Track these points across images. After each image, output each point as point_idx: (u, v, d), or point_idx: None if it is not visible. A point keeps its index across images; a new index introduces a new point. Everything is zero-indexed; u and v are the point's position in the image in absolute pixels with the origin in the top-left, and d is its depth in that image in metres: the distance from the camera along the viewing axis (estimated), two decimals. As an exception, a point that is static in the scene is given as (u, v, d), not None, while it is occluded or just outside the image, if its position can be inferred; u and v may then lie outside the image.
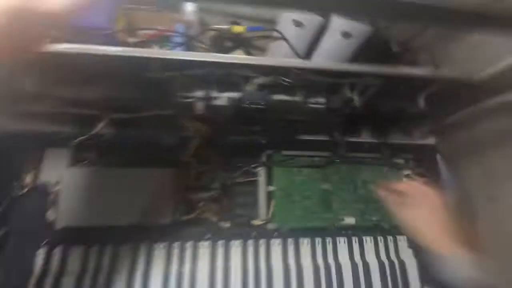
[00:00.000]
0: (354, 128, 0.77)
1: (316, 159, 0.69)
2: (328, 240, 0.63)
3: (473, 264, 0.38)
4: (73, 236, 0.55)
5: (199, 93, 0.51)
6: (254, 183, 0.67)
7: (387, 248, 0.65)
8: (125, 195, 0.56)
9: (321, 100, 0.56)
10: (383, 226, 0.68)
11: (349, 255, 0.63)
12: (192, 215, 0.62)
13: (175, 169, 0.60)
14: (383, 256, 0.64)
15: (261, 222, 0.65)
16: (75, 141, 0.59)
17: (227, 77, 0.48)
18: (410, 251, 0.65)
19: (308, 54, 0.64)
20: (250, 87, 0.50)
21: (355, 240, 0.64)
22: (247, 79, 0.50)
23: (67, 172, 0.55)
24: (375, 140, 0.73)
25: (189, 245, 0.58)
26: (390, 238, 0.65)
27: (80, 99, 0.57)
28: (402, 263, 0.63)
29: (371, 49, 0.68)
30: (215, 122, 0.65)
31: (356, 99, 0.54)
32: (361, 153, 0.71)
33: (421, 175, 0.73)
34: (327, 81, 0.50)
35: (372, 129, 0.77)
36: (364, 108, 0.62)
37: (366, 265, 0.62)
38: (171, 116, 0.63)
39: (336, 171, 0.70)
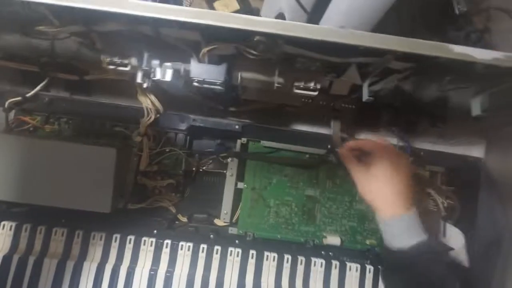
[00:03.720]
0: (366, 121, 0.58)
1: (306, 156, 0.54)
2: (301, 259, 0.51)
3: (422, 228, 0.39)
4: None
5: (134, 61, 0.37)
6: (224, 176, 0.55)
7: (376, 281, 0.51)
8: (60, 173, 0.48)
9: (313, 85, 0.38)
10: (379, 254, 0.53)
11: (324, 282, 0.50)
12: (142, 205, 0.53)
13: (121, 148, 0.49)
14: (367, 291, 0.51)
15: (223, 224, 0.54)
16: (9, 101, 0.50)
17: (165, 40, 0.33)
18: (406, 289, 0.51)
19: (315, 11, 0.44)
20: (205, 57, 0.34)
21: (335, 264, 0.51)
22: (197, 45, 0.34)
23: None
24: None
25: (131, 239, 0.50)
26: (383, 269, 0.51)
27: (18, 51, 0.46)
28: (391, 304, 0.50)
29: (416, 8, 0.47)
30: (176, 97, 0.51)
31: (365, 91, 0.36)
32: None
33: (450, 198, 0.54)
34: (328, 60, 0.32)
35: (392, 124, 0.58)
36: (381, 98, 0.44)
37: (342, 298, 0.50)
38: (121, 83, 0.50)
39: (330, 175, 0.54)
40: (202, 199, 0.57)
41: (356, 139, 0.48)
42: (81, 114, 0.54)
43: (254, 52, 0.30)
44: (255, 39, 0.27)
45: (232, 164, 0.53)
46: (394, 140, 0.54)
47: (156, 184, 0.54)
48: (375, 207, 0.41)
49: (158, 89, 0.49)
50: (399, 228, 0.39)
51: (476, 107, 0.35)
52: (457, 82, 0.34)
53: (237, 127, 0.51)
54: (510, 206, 0.52)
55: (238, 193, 0.53)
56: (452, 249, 0.49)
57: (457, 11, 0.44)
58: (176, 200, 0.56)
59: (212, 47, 0.31)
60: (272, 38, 0.28)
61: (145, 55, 0.35)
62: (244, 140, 0.53)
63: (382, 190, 0.40)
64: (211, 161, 0.57)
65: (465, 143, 0.57)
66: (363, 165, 0.43)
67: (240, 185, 0.53)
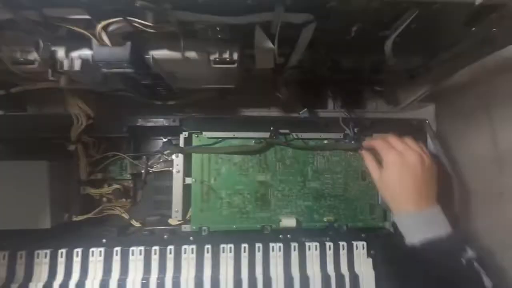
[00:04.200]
0: (312, 98, 0.57)
1: (252, 142, 0.52)
2: (258, 246, 0.48)
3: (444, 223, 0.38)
4: None
5: (33, 55, 0.35)
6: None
7: (337, 258, 0.49)
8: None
9: (228, 56, 0.36)
10: (337, 229, 0.52)
11: (284, 266, 0.48)
12: (88, 215, 0.51)
13: (56, 160, 0.47)
14: (330, 268, 0.48)
15: (177, 223, 0.51)
16: None
17: (59, 26, 0.31)
18: (369, 261, 0.49)
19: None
20: (104, 38, 0.32)
21: (294, 246, 0.49)
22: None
23: None
24: (330, 114, 0.54)
25: (78, 252, 0.47)
26: (343, 244, 0.49)
27: None
28: (355, 278, 0.48)
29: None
30: (110, 98, 0.49)
31: (275, 52, 0.35)
32: (315, 132, 0.53)
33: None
34: (227, 23, 0.30)
35: (337, 97, 0.57)
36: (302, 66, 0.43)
37: (305, 279, 0.47)
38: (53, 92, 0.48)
39: (278, 157, 0.53)
40: (155, 200, 0.55)
41: (370, 138, 0.48)
42: (17, 130, 0.51)
43: (147, 24, 0.29)
44: (137, 5, 0.26)
45: (178, 160, 0.51)
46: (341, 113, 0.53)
47: (101, 192, 0.52)
48: (392, 205, 0.42)
49: (86, 91, 0.47)
50: (411, 223, 0.39)
51: (389, 56, 0.34)
52: (367, 32, 0.33)
53: (173, 121, 0.49)
54: (460, 159, 0.52)
55: (187, 189, 0.51)
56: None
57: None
58: (129, 205, 0.54)
59: (104, 23, 0.29)
60: (155, 2, 0.26)
61: (44, 46, 0.33)
62: (185, 134, 0.51)
63: (394, 188, 0.41)
64: (160, 161, 0.55)
65: (415, 107, 0.57)
66: (378, 164, 0.44)
67: (188, 180, 0.51)
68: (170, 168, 0.52)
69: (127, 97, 0.49)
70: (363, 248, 0.49)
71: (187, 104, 0.52)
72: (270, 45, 0.33)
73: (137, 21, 0.28)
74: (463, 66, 0.44)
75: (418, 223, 0.39)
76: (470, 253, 0.37)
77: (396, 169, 0.40)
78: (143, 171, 0.53)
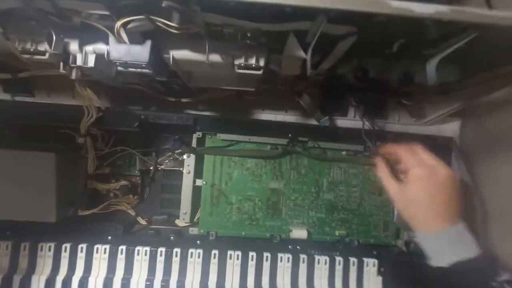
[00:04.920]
0: (334, 105, 0.54)
1: (268, 147, 0.50)
2: (266, 256, 0.47)
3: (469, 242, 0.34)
4: None
5: (44, 46, 0.32)
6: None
7: (346, 274, 0.47)
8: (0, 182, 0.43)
9: (255, 62, 0.33)
10: (348, 244, 0.50)
11: (291, 278, 0.47)
12: (94, 210, 0.49)
13: (64, 152, 0.45)
14: (338, 284, 0.47)
15: (185, 225, 0.50)
16: None
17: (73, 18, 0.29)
18: (379, 280, 0.48)
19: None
20: (122, 35, 0.30)
21: (303, 258, 0.47)
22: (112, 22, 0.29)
23: None
24: (351, 123, 0.51)
25: (82, 247, 0.46)
26: (353, 260, 0.48)
27: None
28: (363, 296, 0.47)
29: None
30: (124, 91, 0.47)
31: (308, 64, 0.32)
32: (334, 142, 0.50)
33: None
34: (259, 29, 0.27)
35: (360, 106, 0.54)
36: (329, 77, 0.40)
37: (312, 294, 0.46)
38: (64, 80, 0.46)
39: (293, 165, 0.50)
40: (163, 199, 0.53)
41: (387, 145, 0.41)
42: (24, 117, 0.49)
43: (172, 24, 0.26)
44: (163, 6, 0.23)
45: (189, 161, 0.49)
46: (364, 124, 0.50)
47: (108, 187, 0.50)
48: (414, 224, 0.37)
49: (98, 82, 0.44)
50: (439, 244, 0.34)
51: (431, 75, 0.31)
52: (410, 48, 0.30)
53: (187, 120, 0.47)
54: (484, 180, 0.50)
55: (197, 191, 0.49)
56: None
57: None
58: (135, 202, 0.52)
59: (124, 20, 0.26)
60: (183, 4, 0.23)
61: (57, 38, 0.30)
62: (199, 134, 0.49)
63: (420, 205, 0.35)
64: (170, 159, 0.53)
65: (439, 122, 0.54)
66: (396, 177, 0.39)
67: (199, 182, 0.49)
68: (180, 168, 0.50)
69: (139, 91, 0.47)
70: (374, 265, 0.47)
71: (201, 102, 0.50)
72: (302, 54, 0.31)
73: (161, 21, 0.25)
74: (504, 86, 0.40)
75: (445, 244, 0.34)
76: (504, 275, 0.32)
77: (424, 185, 0.35)
78: (152, 168, 0.51)
